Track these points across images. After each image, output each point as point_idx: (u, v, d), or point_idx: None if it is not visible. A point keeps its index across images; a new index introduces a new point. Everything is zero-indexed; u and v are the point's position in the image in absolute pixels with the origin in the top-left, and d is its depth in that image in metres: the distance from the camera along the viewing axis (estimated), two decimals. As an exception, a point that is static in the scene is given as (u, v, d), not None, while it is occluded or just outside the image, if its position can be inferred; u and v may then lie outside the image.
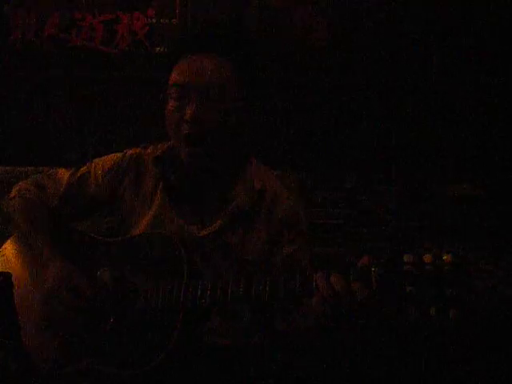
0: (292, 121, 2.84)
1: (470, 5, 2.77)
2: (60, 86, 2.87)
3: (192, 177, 1.52)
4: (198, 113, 1.40)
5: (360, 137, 2.80)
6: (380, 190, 2.75)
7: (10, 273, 1.29)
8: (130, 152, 1.62)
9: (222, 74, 1.42)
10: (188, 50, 1.45)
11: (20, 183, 1.65)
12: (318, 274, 1.20)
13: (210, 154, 1.45)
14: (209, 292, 1.31)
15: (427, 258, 1.11)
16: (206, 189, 1.53)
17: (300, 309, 1.38)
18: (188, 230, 1.50)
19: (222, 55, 1.43)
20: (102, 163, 1.61)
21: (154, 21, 2.86)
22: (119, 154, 1.62)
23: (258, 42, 2.83)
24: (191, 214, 1.52)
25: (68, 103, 2.87)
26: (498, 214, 2.60)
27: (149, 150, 1.60)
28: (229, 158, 1.52)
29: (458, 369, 2.19)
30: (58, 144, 2.85)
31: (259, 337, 1.50)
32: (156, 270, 1.41)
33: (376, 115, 2.80)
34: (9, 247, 1.61)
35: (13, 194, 1.63)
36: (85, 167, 1.63)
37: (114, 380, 1.37)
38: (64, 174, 1.63)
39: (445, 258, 1.09)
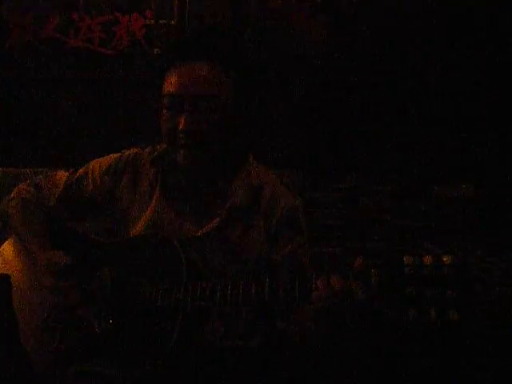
0: (291, 121, 2.84)
1: (470, 4, 2.77)
2: (58, 88, 2.86)
3: (189, 177, 1.52)
4: (192, 123, 1.40)
5: (360, 136, 2.80)
6: (380, 189, 2.75)
7: (8, 274, 1.29)
8: (127, 152, 1.62)
9: (214, 82, 1.41)
10: (180, 57, 1.44)
11: (20, 185, 1.66)
12: (318, 279, 1.20)
13: (206, 157, 1.45)
14: (208, 292, 1.31)
15: (427, 259, 1.10)
16: (203, 188, 1.53)
17: (298, 310, 1.38)
18: (186, 229, 1.50)
19: (214, 62, 1.41)
20: (100, 164, 1.61)
21: (152, 22, 2.86)
22: (117, 155, 1.62)
23: (257, 42, 2.83)
24: (189, 214, 1.52)
25: (67, 104, 2.86)
26: (497, 214, 2.60)
27: (147, 151, 1.60)
28: (226, 158, 1.52)
29: (459, 369, 2.19)
30: (57, 145, 2.85)
31: (259, 338, 1.50)
32: (155, 270, 1.41)
33: (376, 115, 2.80)
34: (7, 248, 1.62)
35: (12, 195, 1.64)
36: (83, 168, 1.63)
37: (114, 380, 1.37)
38: (62, 176, 1.64)
39: (445, 259, 1.09)
